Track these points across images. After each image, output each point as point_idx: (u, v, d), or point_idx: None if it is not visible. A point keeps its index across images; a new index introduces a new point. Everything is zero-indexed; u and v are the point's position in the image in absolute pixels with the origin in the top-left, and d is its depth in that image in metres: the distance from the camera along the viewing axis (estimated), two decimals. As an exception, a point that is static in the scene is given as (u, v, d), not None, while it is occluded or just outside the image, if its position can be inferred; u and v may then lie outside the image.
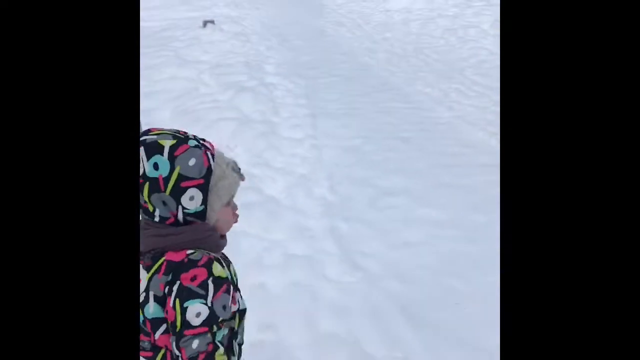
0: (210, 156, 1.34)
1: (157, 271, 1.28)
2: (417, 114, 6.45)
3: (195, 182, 1.30)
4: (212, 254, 1.33)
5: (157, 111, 6.32)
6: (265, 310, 2.94)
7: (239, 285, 1.47)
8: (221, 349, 1.23)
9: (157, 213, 1.31)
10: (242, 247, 3.53)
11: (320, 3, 14.06)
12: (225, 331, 1.30)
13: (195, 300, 1.22)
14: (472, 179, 4.69)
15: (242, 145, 5.47)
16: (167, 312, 1.25)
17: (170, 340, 1.24)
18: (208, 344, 1.20)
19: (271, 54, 9.24)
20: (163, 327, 1.29)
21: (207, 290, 1.24)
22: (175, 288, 1.23)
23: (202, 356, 1.19)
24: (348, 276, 3.35)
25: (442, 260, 3.53)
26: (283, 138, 5.69)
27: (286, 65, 8.69)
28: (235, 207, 1.47)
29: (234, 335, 1.39)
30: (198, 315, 1.21)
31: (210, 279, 1.26)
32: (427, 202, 4.29)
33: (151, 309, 1.28)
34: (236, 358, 1.42)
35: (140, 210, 1.33)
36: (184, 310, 1.21)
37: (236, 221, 1.48)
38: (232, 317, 1.37)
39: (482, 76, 7.76)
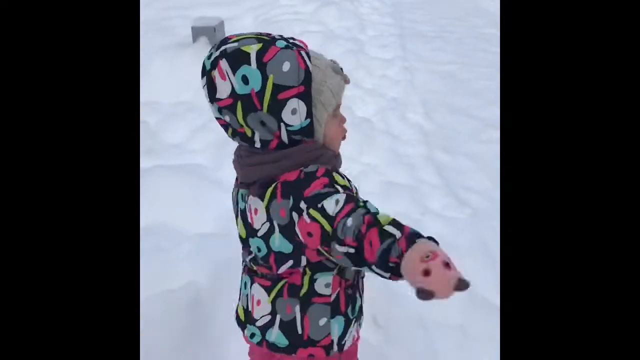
0: (305, 57, 1.08)
1: (273, 197, 1.09)
2: (517, 43, 5.87)
3: (294, 91, 1.06)
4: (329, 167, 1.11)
5: (238, 20, 6.00)
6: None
7: None
8: (381, 213, 0.96)
9: (256, 137, 1.10)
10: (336, 169, 3.29)
11: None
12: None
13: (328, 197, 1.01)
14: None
15: (328, 61, 5.13)
16: (308, 234, 1.03)
17: (332, 246, 1.00)
18: (363, 215, 0.95)
19: (353, -32, 8.60)
20: (289, 263, 1.15)
21: (334, 188, 1.04)
22: (303, 206, 1.03)
23: (362, 229, 0.93)
24: (454, 211, 3.06)
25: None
26: (372, 57, 5.31)
27: (370, -19, 8.09)
28: (342, 119, 1.19)
29: (360, 270, 1.26)
30: (337, 202, 0.99)
31: (335, 185, 1.06)
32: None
33: (277, 241, 1.12)
34: (361, 294, 1.29)
35: (237, 138, 1.13)
36: (322, 210, 1.00)
37: (344, 137, 1.21)
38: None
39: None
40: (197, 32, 4.81)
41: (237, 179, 1.22)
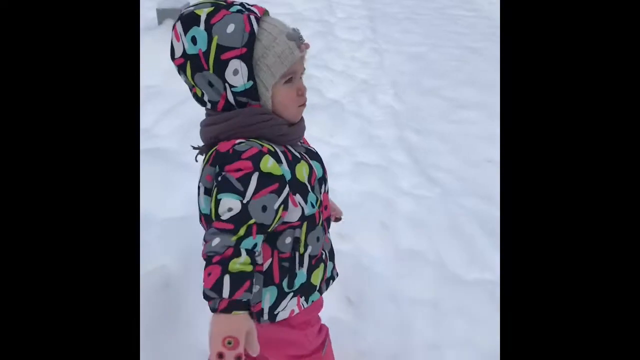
0: (253, 20, 1.10)
1: (206, 161, 1.14)
2: (485, 24, 5.92)
3: (236, 52, 1.09)
4: (268, 146, 1.10)
5: (205, 1, 5.89)
6: (339, 220, 2.71)
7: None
8: (243, 258, 0.98)
9: (206, 97, 1.16)
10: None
11: None
12: (259, 239, 1.05)
13: (230, 194, 1.03)
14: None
15: (297, 43, 5.08)
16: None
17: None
18: (228, 247, 0.98)
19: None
20: None
21: (246, 186, 1.04)
22: (217, 179, 1.08)
23: (215, 258, 0.98)
24: (425, 190, 3.08)
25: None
26: (341, 39, 5.28)
27: (337, -37, 8.02)
28: (300, 87, 1.19)
29: (298, 245, 1.20)
30: (229, 210, 1.02)
31: (256, 174, 1.05)
32: (505, 119, 3.94)
33: (201, 203, 1.16)
34: (304, 270, 1.25)
35: (194, 98, 1.19)
36: (217, 202, 1.04)
37: (303, 104, 1.21)
38: (297, 226, 1.19)
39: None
40: (163, 15, 4.70)
41: None
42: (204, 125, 1.18)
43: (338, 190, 2.99)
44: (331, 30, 5.48)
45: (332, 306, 2.06)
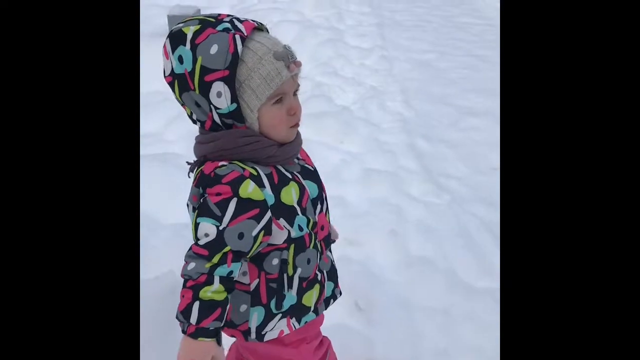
0: (238, 41, 1.05)
1: (194, 180, 1.14)
2: (493, 32, 5.92)
3: (219, 74, 1.05)
4: (250, 169, 1.08)
5: (215, 8, 5.92)
6: (348, 225, 2.70)
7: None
8: (215, 286, 1.02)
9: (194, 117, 1.15)
10: (315, 157, 3.26)
11: None
12: (236, 267, 1.06)
13: (207, 218, 1.05)
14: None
15: (307, 51, 5.10)
16: None
17: None
18: (201, 274, 1.03)
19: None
20: None
21: (224, 212, 1.05)
22: (201, 201, 1.09)
23: (189, 283, 1.03)
24: (434, 197, 3.07)
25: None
26: (350, 47, 5.29)
27: (347, -29, 8.05)
28: (292, 107, 1.13)
29: (286, 267, 1.17)
30: (206, 235, 1.05)
31: (234, 200, 1.06)
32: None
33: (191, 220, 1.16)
34: (293, 292, 1.21)
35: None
36: (196, 225, 1.07)
37: (294, 125, 1.16)
38: (283, 248, 1.17)
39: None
40: (174, 21, 4.73)
41: None
42: (197, 142, 1.17)
43: (347, 196, 2.99)
44: (341, 38, 5.50)
45: (341, 313, 2.06)
